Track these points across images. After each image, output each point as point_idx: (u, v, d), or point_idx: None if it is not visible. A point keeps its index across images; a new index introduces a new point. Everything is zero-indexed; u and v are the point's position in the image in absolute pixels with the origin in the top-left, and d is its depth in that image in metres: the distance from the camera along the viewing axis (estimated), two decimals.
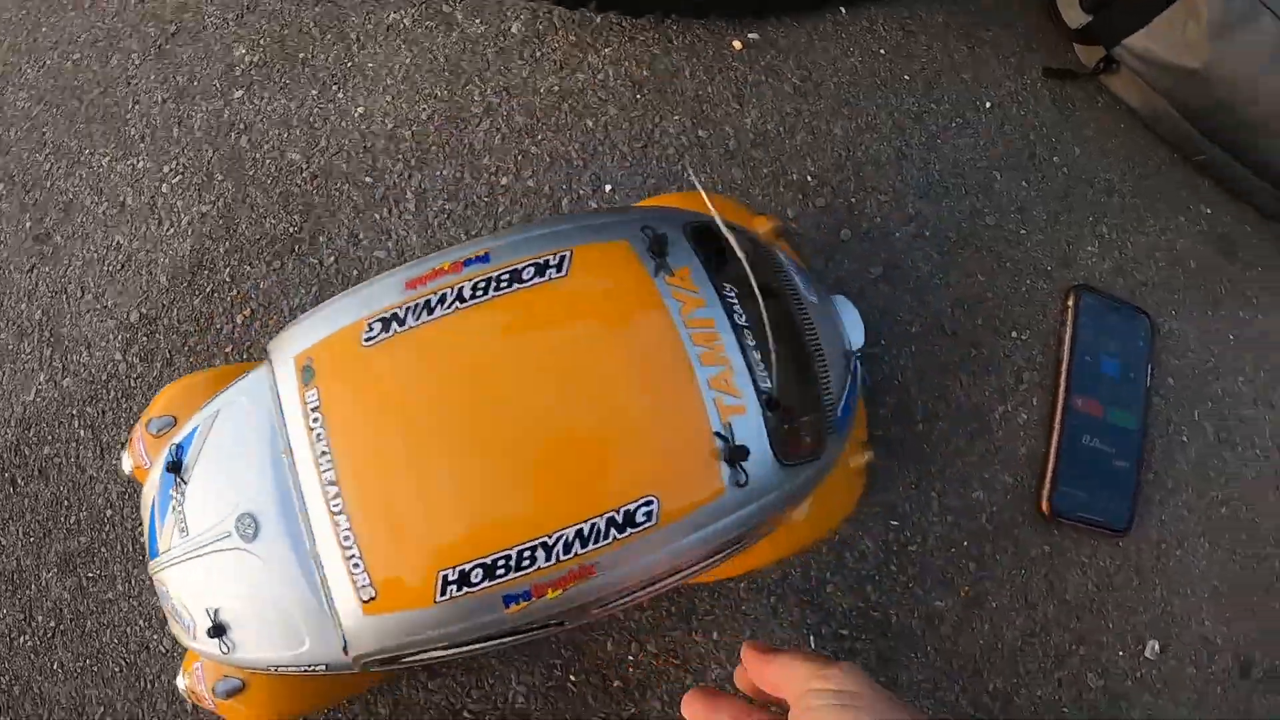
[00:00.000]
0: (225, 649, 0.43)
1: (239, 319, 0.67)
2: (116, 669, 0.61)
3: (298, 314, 0.62)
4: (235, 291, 0.67)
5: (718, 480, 0.40)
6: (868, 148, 0.70)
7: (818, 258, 0.66)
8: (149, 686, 0.61)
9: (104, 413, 0.65)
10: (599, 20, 0.71)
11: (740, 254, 0.42)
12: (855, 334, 0.51)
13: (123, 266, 0.68)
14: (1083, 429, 0.70)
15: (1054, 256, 0.73)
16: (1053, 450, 0.69)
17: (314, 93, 0.72)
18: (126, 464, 0.52)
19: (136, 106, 0.72)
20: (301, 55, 0.73)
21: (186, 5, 0.75)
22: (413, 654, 0.41)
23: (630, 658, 0.61)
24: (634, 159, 0.68)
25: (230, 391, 0.45)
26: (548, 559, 0.38)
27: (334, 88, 0.72)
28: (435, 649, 0.42)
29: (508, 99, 0.69)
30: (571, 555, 0.38)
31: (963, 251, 0.70)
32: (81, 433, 0.65)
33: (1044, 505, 0.68)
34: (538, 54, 0.70)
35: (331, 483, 0.39)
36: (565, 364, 0.39)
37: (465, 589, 0.38)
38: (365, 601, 0.38)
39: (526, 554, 0.38)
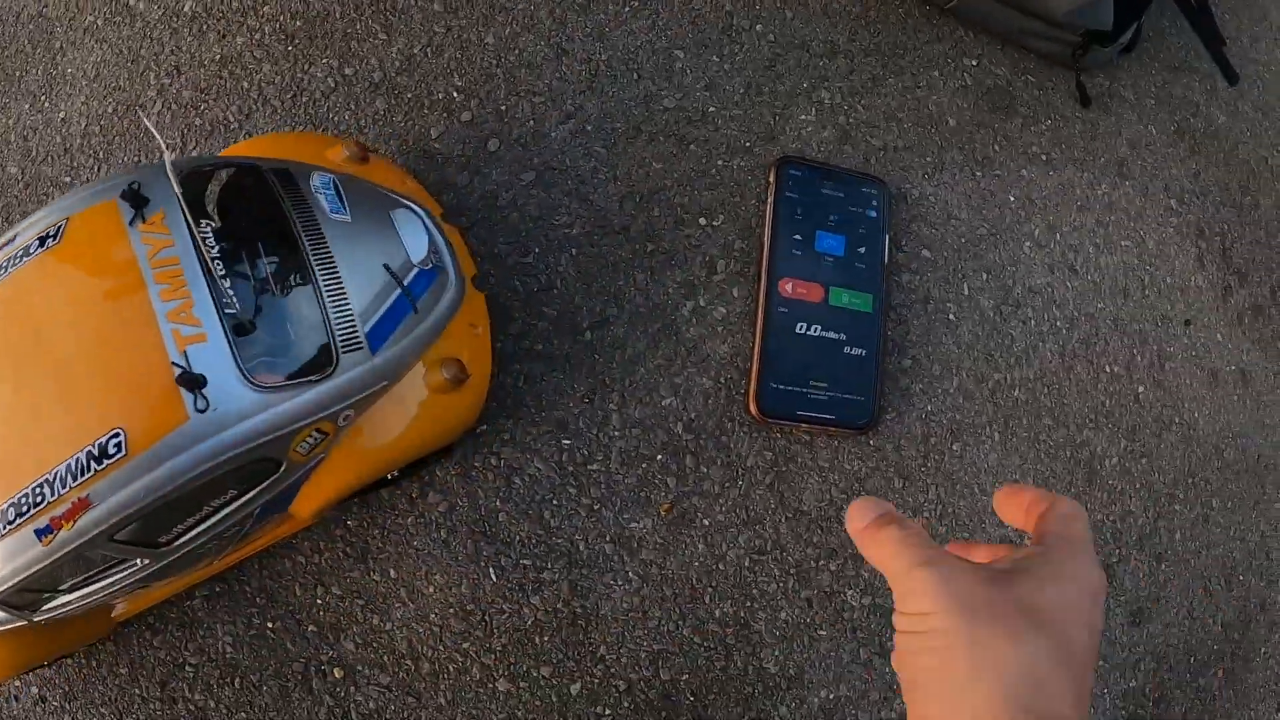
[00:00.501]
0: None
1: None
2: None
3: None
4: None
5: (181, 408, 0.43)
6: (522, 51, 0.65)
7: (462, 174, 0.62)
8: None
9: None
10: None
11: (177, 190, 0.45)
12: (415, 247, 0.50)
13: None
14: (796, 316, 0.61)
15: (754, 132, 0.65)
16: (756, 344, 0.61)
17: (27, 107, 0.74)
18: None
19: None
20: (17, 73, 0.76)
21: None
22: (35, 588, 0.45)
23: (319, 601, 0.58)
24: (284, 111, 0.66)
25: None
26: (52, 494, 0.42)
27: (42, 98, 0.74)
28: (60, 586, 0.45)
29: (178, 77, 0.70)
30: (67, 489, 0.42)
31: (634, 141, 0.63)
32: None
33: (752, 407, 0.60)
34: (204, 28, 0.70)
35: None
36: (49, 323, 0.44)
37: (8, 526, 0.42)
38: None
39: (37, 491, 0.42)
